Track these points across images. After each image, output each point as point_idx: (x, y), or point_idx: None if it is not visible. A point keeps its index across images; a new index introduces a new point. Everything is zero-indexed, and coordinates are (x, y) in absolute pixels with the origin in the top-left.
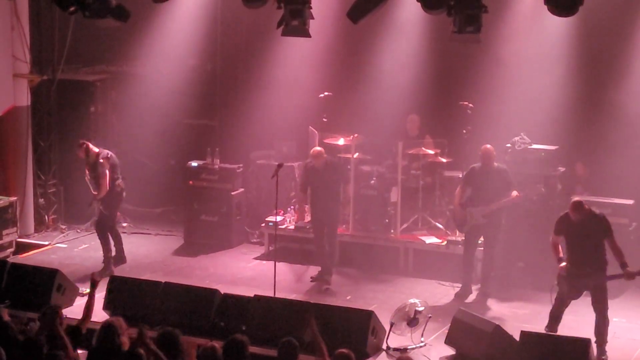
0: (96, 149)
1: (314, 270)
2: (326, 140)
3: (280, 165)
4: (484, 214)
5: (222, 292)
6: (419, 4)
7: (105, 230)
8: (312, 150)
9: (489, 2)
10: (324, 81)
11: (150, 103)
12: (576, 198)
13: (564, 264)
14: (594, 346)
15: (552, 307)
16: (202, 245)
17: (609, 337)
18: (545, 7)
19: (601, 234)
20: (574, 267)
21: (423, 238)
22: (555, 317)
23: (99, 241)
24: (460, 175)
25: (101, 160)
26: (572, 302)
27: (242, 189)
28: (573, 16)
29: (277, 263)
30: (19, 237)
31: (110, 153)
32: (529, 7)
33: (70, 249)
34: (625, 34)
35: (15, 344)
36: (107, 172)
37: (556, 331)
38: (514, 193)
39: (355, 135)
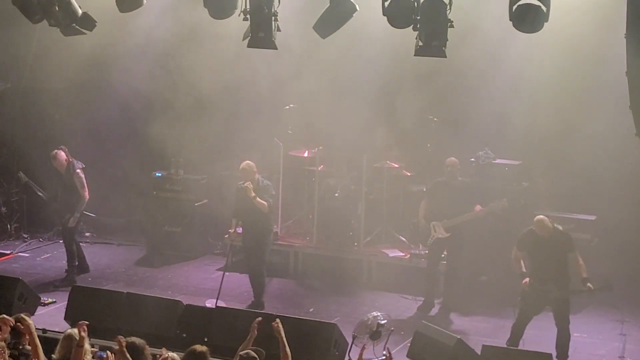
0: (68, 158)
1: (277, 281)
2: (291, 152)
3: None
4: (447, 228)
5: (185, 303)
6: (385, 18)
7: (73, 239)
8: (241, 165)
9: (456, 17)
10: (289, 93)
11: (115, 112)
12: (540, 215)
13: (527, 279)
14: None
15: (514, 322)
16: (165, 255)
17: (570, 352)
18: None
19: (565, 250)
20: (537, 283)
21: (386, 251)
22: (517, 332)
23: (61, 250)
24: (425, 189)
25: (78, 171)
26: (536, 318)
27: (205, 200)
28: (544, 36)
29: (240, 274)
30: None
31: (81, 163)
32: (498, 23)
33: (32, 258)
34: (593, 54)
35: None
36: (85, 182)
37: (518, 346)
38: (478, 207)
39: (320, 147)
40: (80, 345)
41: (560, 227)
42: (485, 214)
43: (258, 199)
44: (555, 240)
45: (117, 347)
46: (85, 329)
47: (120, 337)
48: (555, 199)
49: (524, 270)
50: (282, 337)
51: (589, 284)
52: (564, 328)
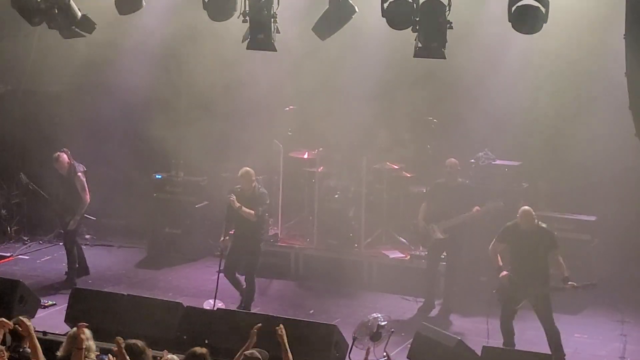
0: (70, 161)
1: (277, 283)
2: (291, 154)
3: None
4: (445, 229)
5: (186, 305)
6: (384, 19)
7: (74, 241)
8: (240, 171)
9: (455, 18)
10: (289, 94)
11: (115, 113)
12: (525, 206)
13: (505, 272)
14: None
15: (500, 323)
16: (165, 257)
17: (571, 352)
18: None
19: (547, 248)
20: (516, 277)
21: (387, 252)
22: (507, 331)
23: (61, 252)
24: (425, 190)
25: (79, 174)
26: (534, 317)
27: (206, 202)
28: (543, 36)
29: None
30: None
31: (82, 166)
32: (497, 25)
33: (32, 260)
34: (593, 54)
35: None
36: (86, 185)
37: (514, 345)
38: (475, 208)
39: (320, 148)
40: (79, 347)
41: (544, 225)
42: (482, 214)
43: (244, 208)
44: (538, 236)
45: (116, 349)
46: (85, 330)
47: (118, 338)
48: (555, 199)
49: (500, 264)
50: (284, 343)
51: (570, 282)
52: (550, 323)
